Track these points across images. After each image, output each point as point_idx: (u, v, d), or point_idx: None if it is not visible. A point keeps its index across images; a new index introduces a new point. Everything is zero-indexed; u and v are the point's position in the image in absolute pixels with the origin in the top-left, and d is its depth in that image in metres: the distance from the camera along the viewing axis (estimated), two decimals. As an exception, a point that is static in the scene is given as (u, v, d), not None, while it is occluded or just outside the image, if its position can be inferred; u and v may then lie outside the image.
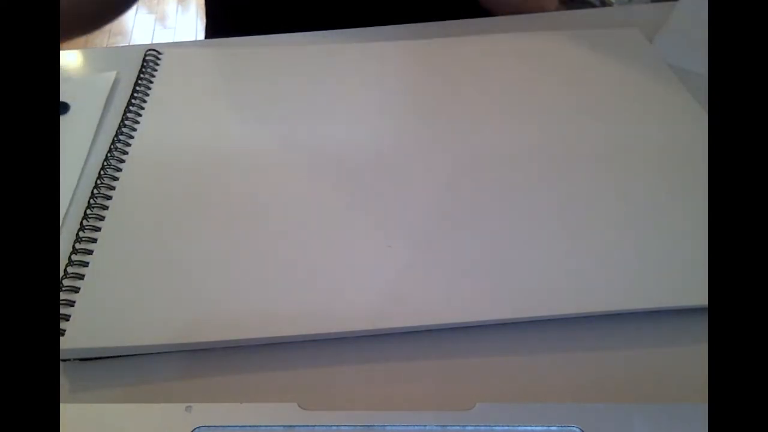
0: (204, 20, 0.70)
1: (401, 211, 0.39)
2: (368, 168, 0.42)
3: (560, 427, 0.27)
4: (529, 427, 0.27)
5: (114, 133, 0.45)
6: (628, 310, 0.34)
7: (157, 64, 0.52)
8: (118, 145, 0.44)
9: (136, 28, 2.09)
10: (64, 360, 0.33)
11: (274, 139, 0.45)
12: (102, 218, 0.39)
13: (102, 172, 0.42)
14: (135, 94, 0.48)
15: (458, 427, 0.28)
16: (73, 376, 0.33)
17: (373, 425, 0.28)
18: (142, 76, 0.50)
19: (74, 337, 0.32)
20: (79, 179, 0.43)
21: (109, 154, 0.43)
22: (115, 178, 0.41)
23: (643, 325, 0.35)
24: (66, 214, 0.40)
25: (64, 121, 0.47)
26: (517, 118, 0.47)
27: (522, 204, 0.40)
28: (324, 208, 0.39)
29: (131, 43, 1.97)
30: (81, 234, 0.38)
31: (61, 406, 0.26)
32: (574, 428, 0.27)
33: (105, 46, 1.94)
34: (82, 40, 1.98)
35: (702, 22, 0.53)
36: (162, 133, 0.45)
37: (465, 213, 0.39)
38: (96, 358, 0.33)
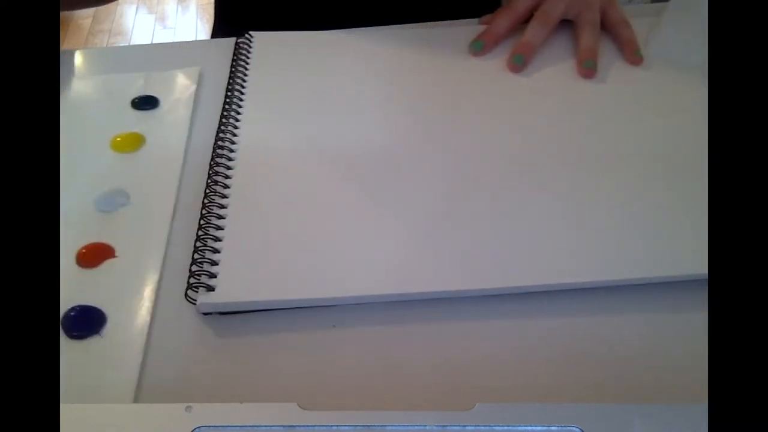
0: (208, 20, 0.70)
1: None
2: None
3: (560, 427, 0.27)
4: (529, 427, 0.27)
5: (217, 124, 0.46)
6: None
7: (250, 51, 0.53)
8: (227, 135, 0.45)
9: (136, 28, 2.09)
10: (207, 314, 0.35)
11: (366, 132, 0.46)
12: (223, 206, 0.40)
13: (215, 154, 0.43)
14: (234, 78, 0.49)
15: (458, 427, 0.28)
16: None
17: (373, 425, 0.28)
18: (236, 62, 0.51)
19: (222, 293, 0.35)
20: (183, 164, 0.44)
21: (219, 142, 0.44)
22: (231, 159, 0.43)
23: (644, 325, 0.35)
24: (176, 202, 0.41)
25: (156, 114, 0.48)
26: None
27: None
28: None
29: (131, 43, 1.97)
30: (203, 222, 0.39)
31: (61, 406, 0.26)
32: (574, 428, 0.27)
33: (105, 45, 1.94)
34: (81, 39, 1.98)
35: (695, 17, 0.53)
36: (265, 120, 0.47)
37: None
38: (233, 312, 0.36)
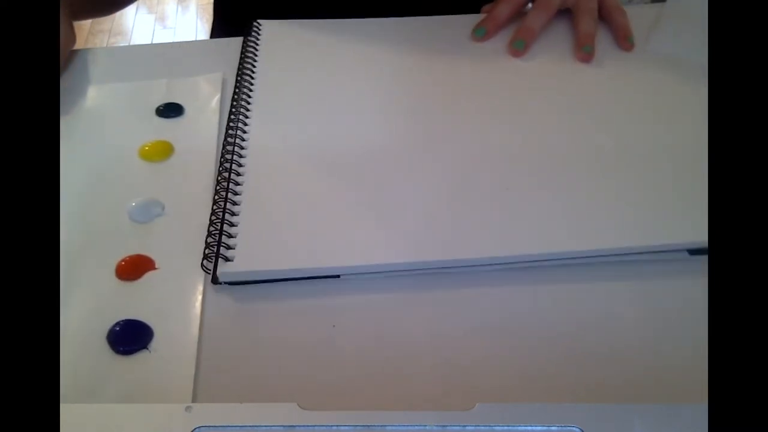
0: (208, 20, 0.70)
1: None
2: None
3: (560, 427, 0.27)
4: (529, 427, 0.27)
5: (229, 108, 0.46)
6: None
7: (258, 38, 0.54)
8: (239, 118, 0.45)
9: (135, 28, 2.09)
10: (217, 283, 0.36)
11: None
12: (238, 183, 0.41)
13: (228, 134, 0.44)
14: (243, 65, 0.51)
15: (458, 427, 0.28)
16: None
17: (373, 425, 0.28)
18: (245, 48, 0.52)
19: (238, 263, 0.36)
20: (215, 172, 0.43)
21: (230, 131, 0.44)
22: (243, 144, 0.44)
23: (646, 325, 0.35)
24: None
25: (182, 122, 0.48)
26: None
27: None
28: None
29: (131, 43, 1.97)
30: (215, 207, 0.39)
31: (61, 406, 0.26)
32: (574, 428, 0.27)
33: (105, 45, 1.94)
34: (81, 39, 1.98)
35: (695, 17, 0.54)
36: (276, 106, 0.48)
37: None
38: (243, 282, 0.37)
